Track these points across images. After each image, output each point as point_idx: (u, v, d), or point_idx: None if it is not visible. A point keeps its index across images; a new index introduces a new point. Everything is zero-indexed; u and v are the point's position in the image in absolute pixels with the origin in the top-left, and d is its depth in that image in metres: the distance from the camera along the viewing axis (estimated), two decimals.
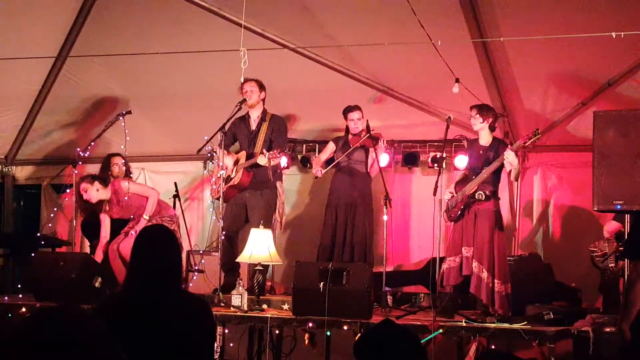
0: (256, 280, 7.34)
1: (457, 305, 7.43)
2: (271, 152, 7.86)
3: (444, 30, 7.42)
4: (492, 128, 7.53)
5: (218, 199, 8.25)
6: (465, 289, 7.28)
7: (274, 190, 8.40)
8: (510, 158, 7.20)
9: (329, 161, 8.66)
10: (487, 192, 7.29)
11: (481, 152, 7.49)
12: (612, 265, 7.44)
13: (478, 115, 7.50)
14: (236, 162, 8.29)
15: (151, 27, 8.60)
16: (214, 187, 8.40)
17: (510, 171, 7.42)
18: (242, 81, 7.90)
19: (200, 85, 9.14)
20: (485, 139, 7.55)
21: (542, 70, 8.15)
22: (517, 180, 7.95)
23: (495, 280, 7.09)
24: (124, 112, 8.34)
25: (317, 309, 6.81)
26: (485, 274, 7.11)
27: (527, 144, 7.29)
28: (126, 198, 8.14)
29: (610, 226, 7.67)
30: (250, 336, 8.27)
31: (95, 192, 8.18)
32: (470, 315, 7.00)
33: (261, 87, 8.30)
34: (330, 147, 8.73)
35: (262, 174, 8.17)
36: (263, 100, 8.38)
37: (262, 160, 7.95)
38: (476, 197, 7.30)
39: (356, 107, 8.44)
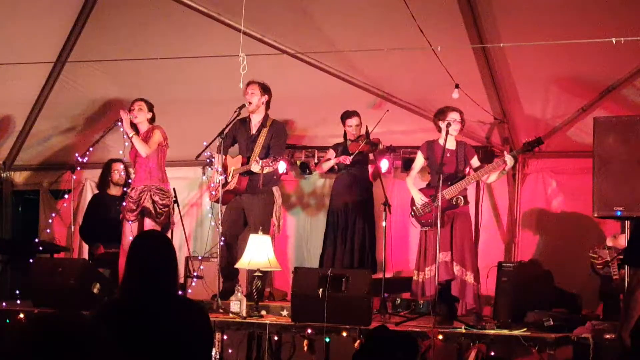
0: (255, 286, 7.32)
1: (456, 312, 7.43)
2: (264, 160, 7.83)
3: (443, 36, 7.42)
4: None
5: (216, 201, 8.25)
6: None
7: (271, 195, 8.37)
8: (510, 164, 7.29)
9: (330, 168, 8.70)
10: (464, 196, 7.40)
11: (448, 155, 7.49)
12: (615, 272, 7.41)
13: (461, 124, 7.55)
14: (229, 172, 8.28)
15: (150, 32, 8.60)
16: (213, 192, 8.39)
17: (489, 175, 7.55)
18: (246, 84, 7.88)
19: (199, 91, 9.12)
20: (452, 142, 7.59)
21: (542, 76, 8.14)
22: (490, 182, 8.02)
23: (475, 283, 7.25)
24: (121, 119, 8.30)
25: (316, 315, 6.78)
26: (470, 277, 7.23)
27: (530, 150, 7.36)
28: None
29: (623, 240, 7.61)
30: (249, 342, 8.24)
31: (144, 117, 8.15)
32: (469, 322, 6.99)
33: (264, 90, 8.26)
34: (330, 153, 8.72)
35: (258, 179, 8.16)
36: (266, 104, 8.33)
37: (255, 167, 7.94)
38: (456, 202, 7.35)
39: (354, 113, 8.44)
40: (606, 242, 7.74)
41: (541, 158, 8.82)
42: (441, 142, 7.48)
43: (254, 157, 8.12)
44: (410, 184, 7.75)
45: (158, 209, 8.01)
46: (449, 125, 7.46)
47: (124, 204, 8.17)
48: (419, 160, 7.78)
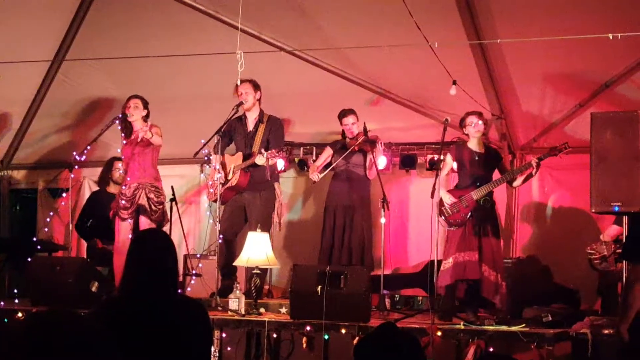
0: (253, 283, 7.32)
1: (455, 308, 7.43)
2: (269, 152, 7.85)
3: (441, 32, 7.42)
4: (484, 134, 7.62)
5: (215, 201, 8.23)
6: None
7: (272, 191, 8.38)
8: (538, 168, 7.30)
9: (327, 165, 8.66)
10: (491, 198, 7.39)
11: (477, 158, 7.50)
12: (613, 268, 7.42)
13: (482, 124, 7.52)
14: (228, 170, 8.27)
15: (147, 30, 8.59)
16: (211, 190, 8.38)
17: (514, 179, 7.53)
18: (236, 84, 7.89)
19: (196, 89, 9.11)
20: (479, 145, 7.57)
21: (539, 72, 8.14)
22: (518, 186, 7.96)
23: (502, 283, 7.21)
24: (119, 116, 8.30)
25: (315, 313, 6.78)
26: (498, 277, 7.18)
27: (556, 155, 7.36)
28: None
29: (612, 230, 7.65)
30: (247, 340, 8.24)
31: (139, 115, 8.10)
32: (468, 318, 6.99)
33: (256, 87, 8.26)
34: (327, 151, 8.71)
35: (260, 174, 8.15)
36: (259, 100, 8.35)
37: (260, 160, 7.93)
38: (483, 203, 7.35)
39: (350, 112, 8.42)
40: (600, 237, 7.78)
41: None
42: (469, 145, 7.52)
43: (256, 151, 8.13)
44: (439, 185, 7.71)
45: (153, 207, 7.99)
46: (446, 121, 7.50)
47: (120, 201, 8.13)
48: (448, 162, 7.74)
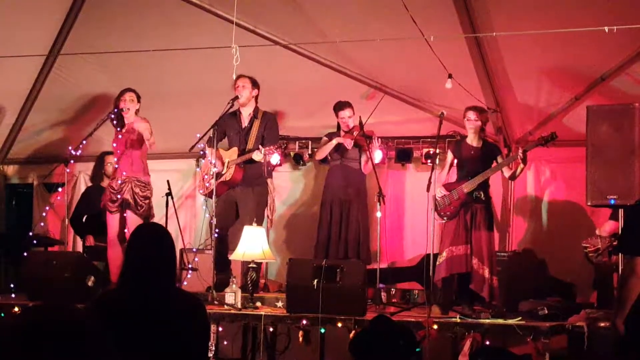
0: (250, 277, 7.32)
1: (452, 301, 7.43)
2: (267, 148, 7.85)
3: (436, 26, 7.41)
4: (482, 129, 7.60)
5: (207, 195, 8.23)
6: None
7: (265, 187, 8.40)
8: (525, 159, 7.26)
9: (323, 159, 8.70)
10: (485, 191, 7.37)
11: (472, 152, 7.50)
12: (606, 260, 7.43)
13: (477, 119, 7.50)
14: (223, 164, 8.26)
15: (142, 24, 8.57)
16: (207, 184, 8.37)
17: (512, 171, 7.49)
18: (235, 78, 7.88)
19: (192, 83, 9.10)
20: (476, 139, 7.56)
21: (535, 65, 8.13)
22: (514, 179, 7.91)
23: (493, 277, 7.19)
24: (115, 110, 8.29)
25: (311, 306, 6.79)
26: (486, 271, 7.17)
27: (543, 145, 7.31)
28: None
29: (609, 226, 7.65)
30: (244, 334, 8.25)
31: (133, 108, 8.09)
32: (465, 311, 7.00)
33: (254, 84, 8.27)
34: (324, 142, 8.70)
35: (255, 170, 8.17)
36: (255, 97, 8.34)
37: (257, 156, 7.94)
38: (475, 196, 7.33)
39: (347, 105, 8.42)
40: (596, 232, 7.79)
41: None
42: (467, 140, 7.52)
43: (252, 147, 8.12)
44: (434, 179, 7.69)
45: (139, 201, 7.96)
46: (442, 115, 7.51)
47: (109, 194, 8.11)
48: (448, 159, 7.75)
